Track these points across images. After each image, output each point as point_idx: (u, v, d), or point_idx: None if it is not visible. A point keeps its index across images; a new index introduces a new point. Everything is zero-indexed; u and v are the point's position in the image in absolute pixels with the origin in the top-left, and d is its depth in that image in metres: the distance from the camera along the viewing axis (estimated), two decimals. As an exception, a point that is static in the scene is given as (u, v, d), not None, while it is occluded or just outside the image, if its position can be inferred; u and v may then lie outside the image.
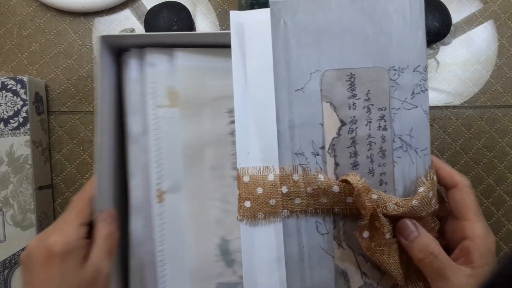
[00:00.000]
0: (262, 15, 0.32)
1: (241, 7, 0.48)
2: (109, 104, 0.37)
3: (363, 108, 0.32)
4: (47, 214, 0.46)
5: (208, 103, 0.38)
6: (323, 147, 0.32)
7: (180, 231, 0.38)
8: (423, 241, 0.31)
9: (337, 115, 0.32)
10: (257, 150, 0.32)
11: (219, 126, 0.38)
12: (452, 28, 0.49)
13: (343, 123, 0.32)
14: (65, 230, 0.30)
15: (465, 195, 0.32)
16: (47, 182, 0.47)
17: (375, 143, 0.32)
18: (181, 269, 0.37)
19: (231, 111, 0.38)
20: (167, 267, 0.37)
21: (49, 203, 0.47)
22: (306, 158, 0.32)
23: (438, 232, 0.34)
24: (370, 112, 0.32)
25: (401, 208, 0.31)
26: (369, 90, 0.32)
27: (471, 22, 0.51)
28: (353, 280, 0.33)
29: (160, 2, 0.49)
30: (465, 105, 0.50)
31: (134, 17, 0.50)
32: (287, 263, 0.32)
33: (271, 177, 0.32)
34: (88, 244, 0.31)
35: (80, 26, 0.50)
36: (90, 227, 0.32)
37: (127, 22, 0.50)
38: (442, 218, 0.34)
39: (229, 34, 0.33)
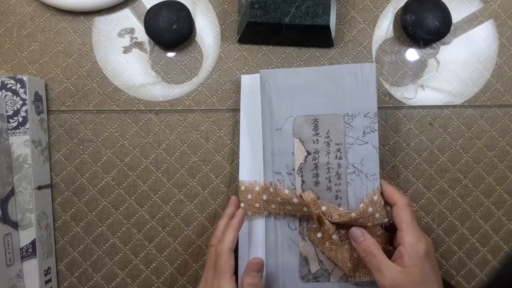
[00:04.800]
0: (256, 78, 0.45)
1: (241, 6, 0.49)
2: None
3: (324, 143, 0.43)
4: (46, 213, 0.47)
5: None
6: (294, 169, 0.44)
7: None
8: (367, 243, 0.40)
9: (304, 147, 0.44)
10: (251, 169, 0.46)
11: None
12: (452, 28, 0.49)
13: (308, 153, 0.44)
14: None
15: (401, 211, 0.41)
16: (47, 181, 0.48)
17: (332, 168, 0.43)
18: None
19: None
20: None
21: (48, 202, 0.48)
22: (283, 176, 0.44)
23: (389, 242, 0.43)
24: (329, 146, 0.43)
25: (342, 218, 0.42)
26: (328, 130, 0.43)
27: (472, 21, 0.51)
28: (312, 265, 0.44)
29: (160, 1, 0.49)
30: (466, 104, 0.50)
31: (133, 16, 0.50)
32: (267, 247, 0.45)
33: (257, 188, 0.45)
34: None
35: (79, 25, 0.50)
36: None
37: (126, 22, 0.50)
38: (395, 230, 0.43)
39: None
